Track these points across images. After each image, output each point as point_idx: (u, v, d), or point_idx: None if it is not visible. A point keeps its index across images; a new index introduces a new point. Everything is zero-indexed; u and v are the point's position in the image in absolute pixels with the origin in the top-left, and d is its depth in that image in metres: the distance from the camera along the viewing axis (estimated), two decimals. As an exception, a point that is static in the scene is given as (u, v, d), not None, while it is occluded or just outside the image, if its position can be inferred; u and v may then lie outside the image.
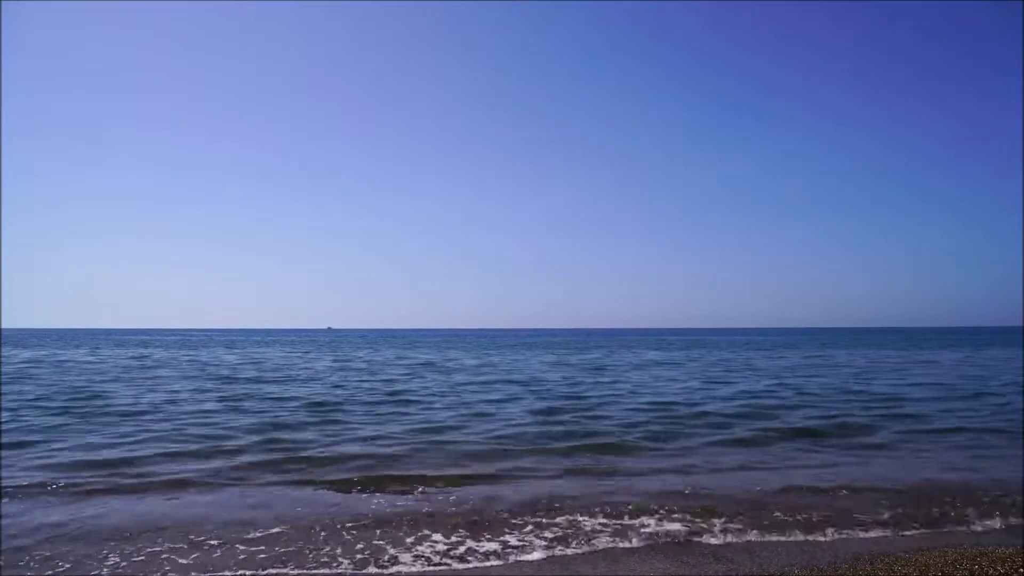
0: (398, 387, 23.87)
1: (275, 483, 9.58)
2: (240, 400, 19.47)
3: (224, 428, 14.32)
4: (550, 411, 17.21)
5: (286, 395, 21.00)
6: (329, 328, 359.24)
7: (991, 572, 5.70)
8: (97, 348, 62.30)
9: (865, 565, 5.96)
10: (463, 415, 16.43)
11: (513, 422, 15.28)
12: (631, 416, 16.29)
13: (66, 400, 19.19)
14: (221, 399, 19.66)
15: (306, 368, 34.62)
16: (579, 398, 20.34)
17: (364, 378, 28.13)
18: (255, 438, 13.02)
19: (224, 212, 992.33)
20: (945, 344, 70.55)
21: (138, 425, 14.68)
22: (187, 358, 44.35)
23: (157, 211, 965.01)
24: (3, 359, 41.38)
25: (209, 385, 24.33)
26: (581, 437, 13.33)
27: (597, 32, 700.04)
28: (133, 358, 44.01)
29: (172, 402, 18.98)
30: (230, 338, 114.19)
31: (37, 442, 12.56)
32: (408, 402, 19.24)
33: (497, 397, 20.64)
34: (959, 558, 6.06)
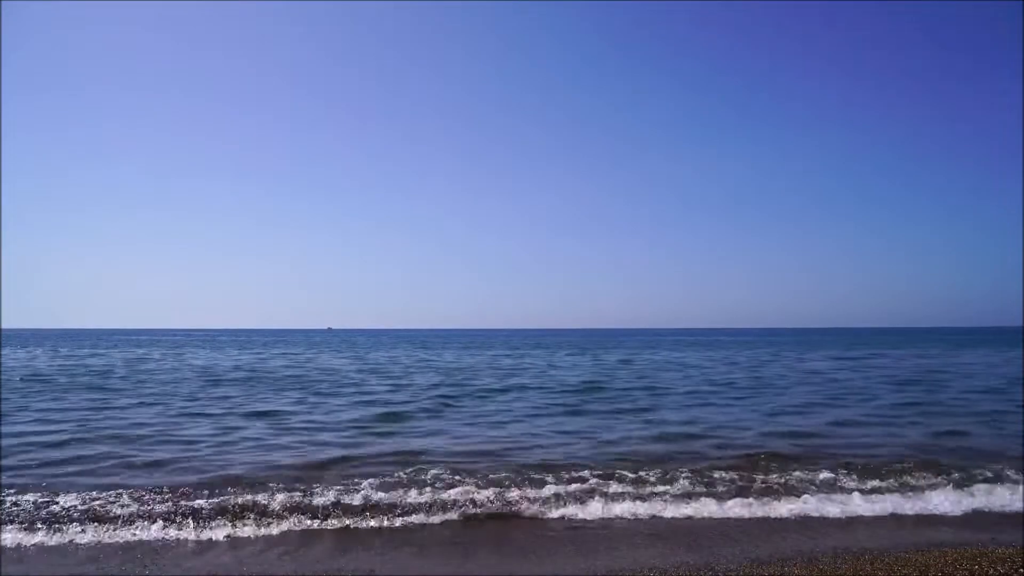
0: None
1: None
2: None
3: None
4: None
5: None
6: (329, 328, 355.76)
7: (991, 572, 5.76)
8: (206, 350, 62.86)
9: (865, 565, 6.02)
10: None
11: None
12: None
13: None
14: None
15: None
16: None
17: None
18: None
19: (223, 212, 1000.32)
20: (957, 345, 69.68)
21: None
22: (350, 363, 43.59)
23: (157, 211, 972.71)
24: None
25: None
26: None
27: (597, 32, 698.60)
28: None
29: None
30: (277, 338, 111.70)
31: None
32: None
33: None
34: (959, 558, 6.11)
